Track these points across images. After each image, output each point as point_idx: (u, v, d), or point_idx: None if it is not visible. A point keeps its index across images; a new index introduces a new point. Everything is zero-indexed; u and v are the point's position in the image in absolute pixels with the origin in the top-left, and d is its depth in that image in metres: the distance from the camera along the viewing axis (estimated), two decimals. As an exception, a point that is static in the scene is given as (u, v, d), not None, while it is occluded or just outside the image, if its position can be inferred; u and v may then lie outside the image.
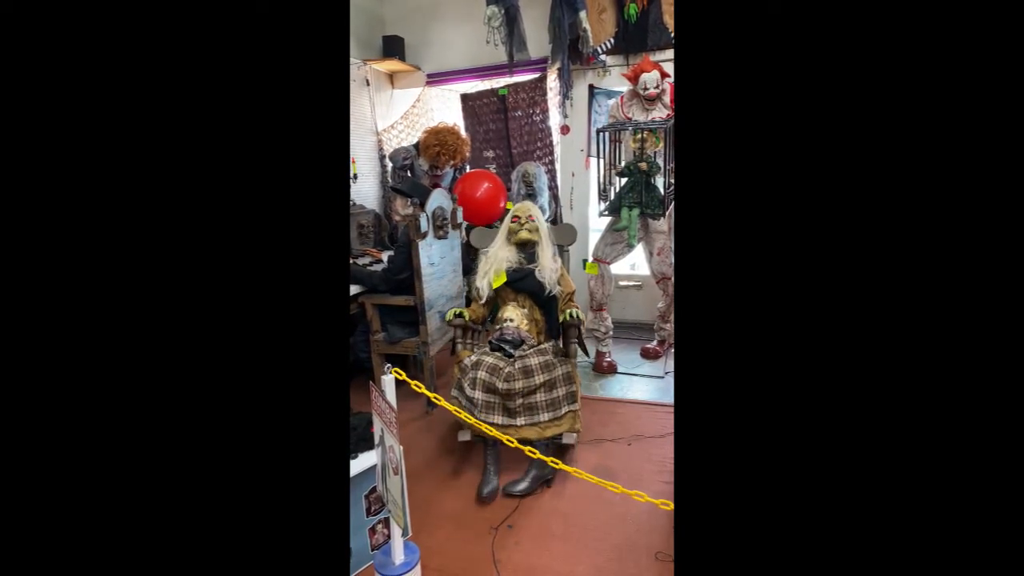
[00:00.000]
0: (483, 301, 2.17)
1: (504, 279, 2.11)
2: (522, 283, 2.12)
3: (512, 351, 1.99)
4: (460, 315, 2.09)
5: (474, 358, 1.97)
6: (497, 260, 2.16)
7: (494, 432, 1.74)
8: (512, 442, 1.55)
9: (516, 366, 1.90)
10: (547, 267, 2.11)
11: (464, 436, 1.99)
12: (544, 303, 2.14)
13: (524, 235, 2.15)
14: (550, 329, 2.18)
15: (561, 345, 2.09)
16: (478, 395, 1.87)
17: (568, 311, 2.00)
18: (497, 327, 2.12)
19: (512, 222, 2.19)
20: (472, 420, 1.80)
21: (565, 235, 2.47)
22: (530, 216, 2.16)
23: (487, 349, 2.04)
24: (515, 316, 2.10)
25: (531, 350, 1.99)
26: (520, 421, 1.86)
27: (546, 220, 2.75)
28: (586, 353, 2.16)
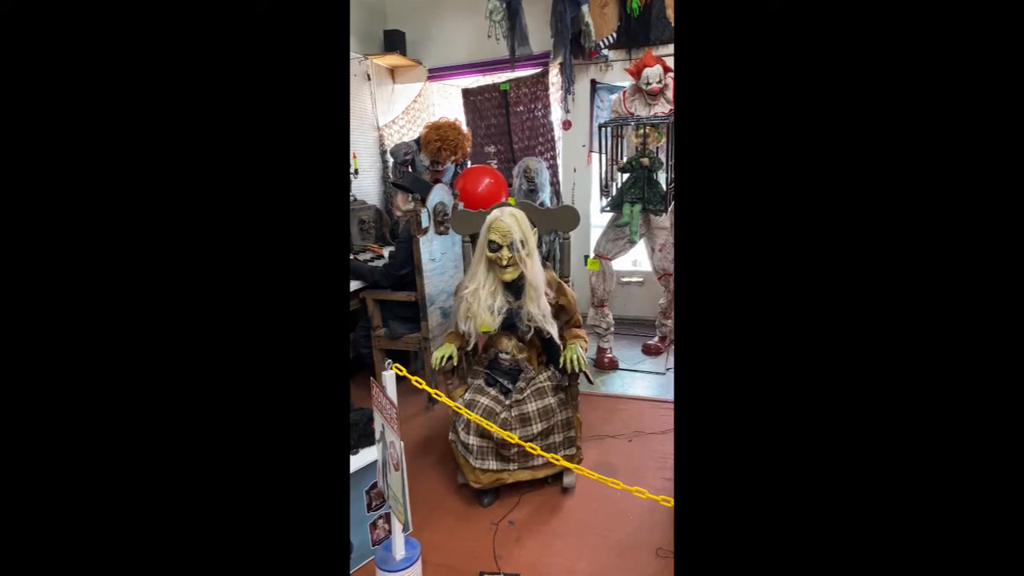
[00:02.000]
0: (471, 346, 1.91)
1: (493, 331, 1.82)
2: (513, 328, 1.82)
3: (510, 386, 1.84)
4: (449, 358, 1.79)
5: (468, 396, 1.82)
6: (481, 306, 1.78)
7: (487, 483, 1.79)
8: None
9: (512, 413, 1.77)
10: (534, 313, 1.75)
11: (462, 480, 1.92)
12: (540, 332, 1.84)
13: (508, 276, 1.75)
14: (549, 351, 1.89)
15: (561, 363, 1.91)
16: (472, 440, 1.78)
17: (569, 356, 1.75)
18: (491, 349, 1.93)
19: (490, 250, 1.75)
20: (467, 468, 1.82)
21: (564, 221, 2.07)
22: (511, 242, 1.71)
23: (482, 383, 1.86)
24: (509, 347, 1.87)
25: (529, 390, 1.83)
26: (513, 467, 1.82)
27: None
28: (590, 381, 1.99)
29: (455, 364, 1.83)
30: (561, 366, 1.79)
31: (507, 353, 1.88)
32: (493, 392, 1.83)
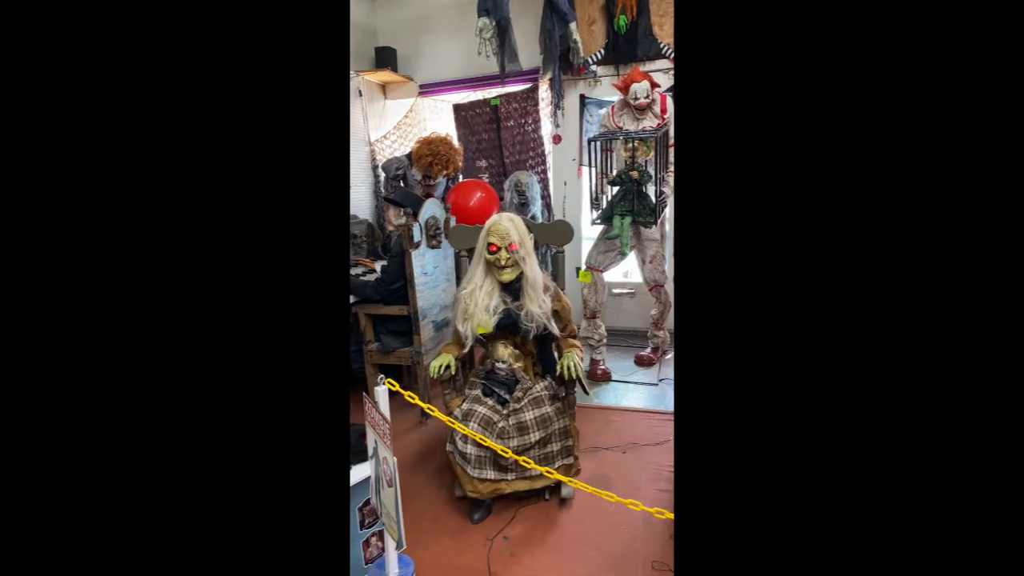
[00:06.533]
0: (467, 348, 1.89)
1: (489, 330, 1.82)
2: (510, 327, 1.83)
3: (507, 396, 1.84)
4: (448, 367, 1.80)
5: (466, 407, 1.80)
6: (478, 307, 1.81)
7: (485, 493, 1.77)
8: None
9: (510, 422, 1.78)
10: (535, 312, 1.78)
11: (459, 492, 1.90)
12: (538, 337, 1.87)
13: (506, 276, 1.79)
14: (545, 360, 1.94)
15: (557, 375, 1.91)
16: (470, 450, 1.76)
17: (566, 364, 1.76)
18: (487, 360, 1.93)
19: (490, 251, 1.78)
20: (465, 478, 1.80)
21: (558, 235, 2.17)
22: (511, 245, 1.75)
23: (479, 393, 1.85)
24: (505, 355, 1.88)
25: (526, 399, 1.83)
26: (511, 476, 1.80)
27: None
28: (585, 391, 1.96)
29: (453, 373, 1.84)
30: (558, 374, 1.80)
31: (503, 362, 1.88)
32: (491, 402, 1.83)
